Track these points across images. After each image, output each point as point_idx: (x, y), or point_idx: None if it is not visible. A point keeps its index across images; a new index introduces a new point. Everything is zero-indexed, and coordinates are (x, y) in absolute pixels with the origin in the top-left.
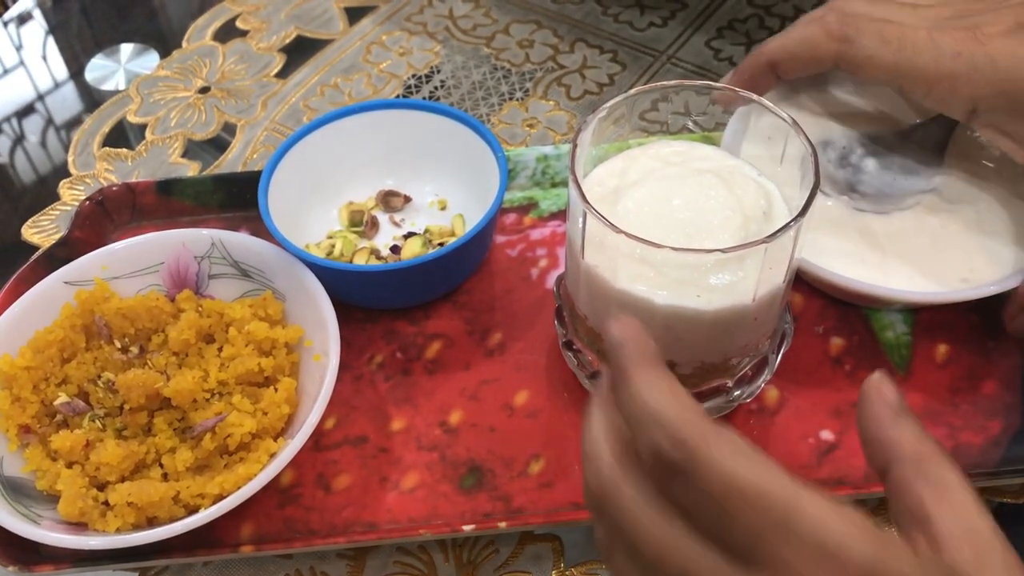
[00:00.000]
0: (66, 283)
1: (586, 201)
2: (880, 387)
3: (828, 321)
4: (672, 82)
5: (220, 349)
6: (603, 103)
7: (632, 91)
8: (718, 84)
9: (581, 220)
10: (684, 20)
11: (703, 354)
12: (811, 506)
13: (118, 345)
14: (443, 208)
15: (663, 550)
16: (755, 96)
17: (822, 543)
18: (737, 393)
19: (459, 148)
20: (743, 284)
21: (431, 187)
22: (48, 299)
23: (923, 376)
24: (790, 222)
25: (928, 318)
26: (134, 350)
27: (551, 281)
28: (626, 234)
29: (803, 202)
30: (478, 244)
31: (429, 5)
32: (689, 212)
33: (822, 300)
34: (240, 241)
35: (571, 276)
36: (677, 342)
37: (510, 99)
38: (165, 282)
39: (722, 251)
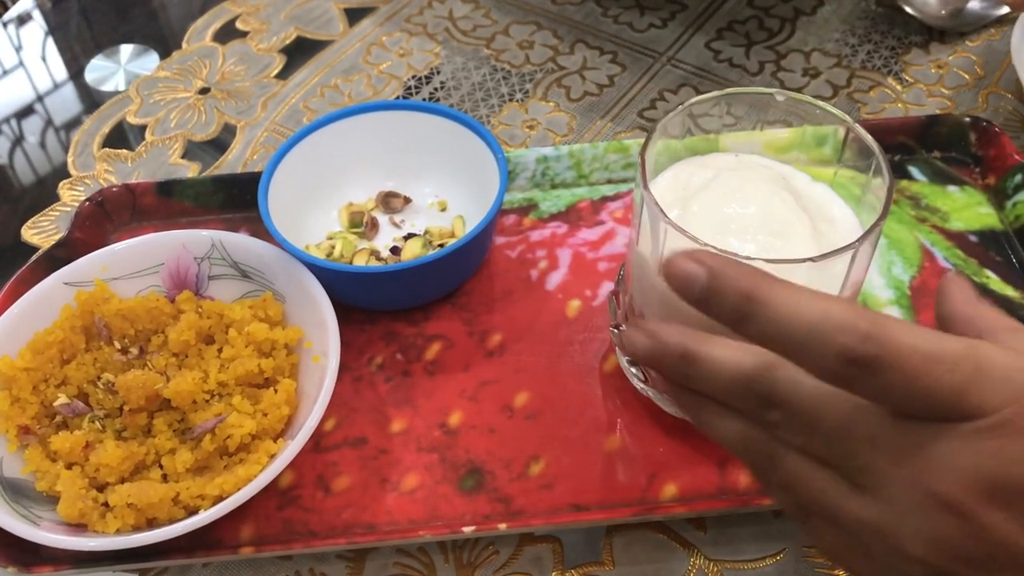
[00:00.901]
0: (66, 284)
1: (666, 216)
2: (959, 277)
3: None
4: (720, 92)
5: (220, 350)
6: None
7: (692, 100)
8: (744, 88)
9: (658, 236)
10: (684, 21)
11: None
12: (991, 352)
13: (118, 346)
14: (443, 209)
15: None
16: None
17: (1016, 380)
18: None
19: (459, 149)
20: (830, 287)
21: (431, 188)
22: (48, 300)
23: None
24: (877, 221)
25: (928, 320)
26: (134, 351)
27: (551, 282)
28: (716, 249)
29: (883, 203)
30: (478, 245)
31: (429, 6)
32: (756, 214)
33: None
34: (240, 242)
35: (642, 297)
36: None
37: (510, 100)
38: (165, 283)
39: (812, 260)
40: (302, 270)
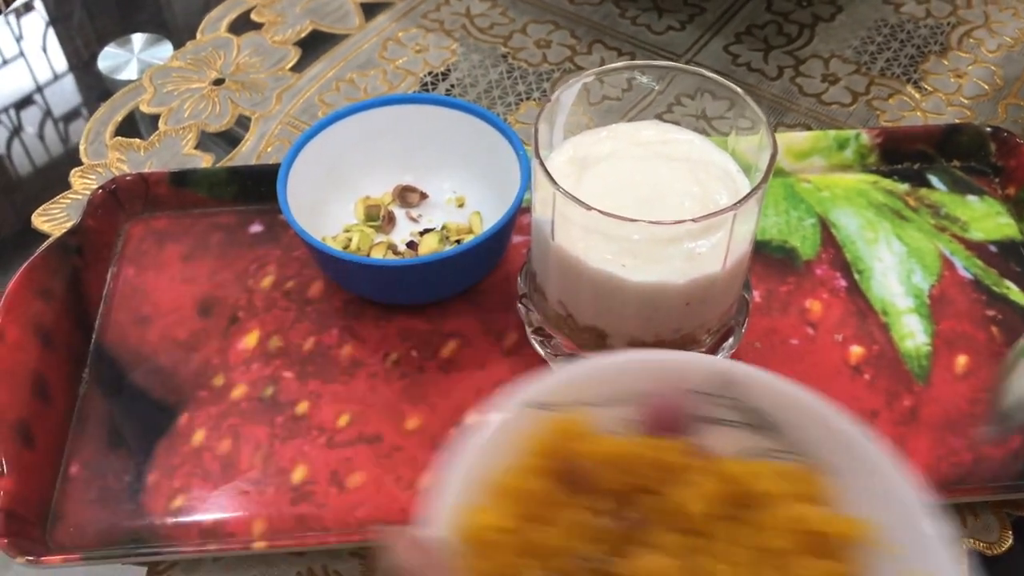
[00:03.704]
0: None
1: (555, 182)
2: None
3: (847, 329)
4: (623, 63)
5: (746, 534)
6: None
7: (592, 72)
8: (661, 63)
9: (551, 202)
10: (702, 24)
11: (677, 324)
12: None
13: (600, 507)
14: (461, 205)
15: None
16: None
17: None
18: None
19: (479, 145)
20: (713, 253)
21: (449, 184)
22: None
23: (943, 387)
24: (754, 189)
25: (948, 329)
26: (632, 515)
27: None
28: (599, 211)
29: (764, 169)
30: (496, 243)
31: (446, 3)
32: (650, 192)
33: (841, 308)
34: (764, 382)
35: (540, 263)
36: (653, 314)
37: (527, 99)
38: (645, 419)
39: (693, 220)
40: (866, 441)
